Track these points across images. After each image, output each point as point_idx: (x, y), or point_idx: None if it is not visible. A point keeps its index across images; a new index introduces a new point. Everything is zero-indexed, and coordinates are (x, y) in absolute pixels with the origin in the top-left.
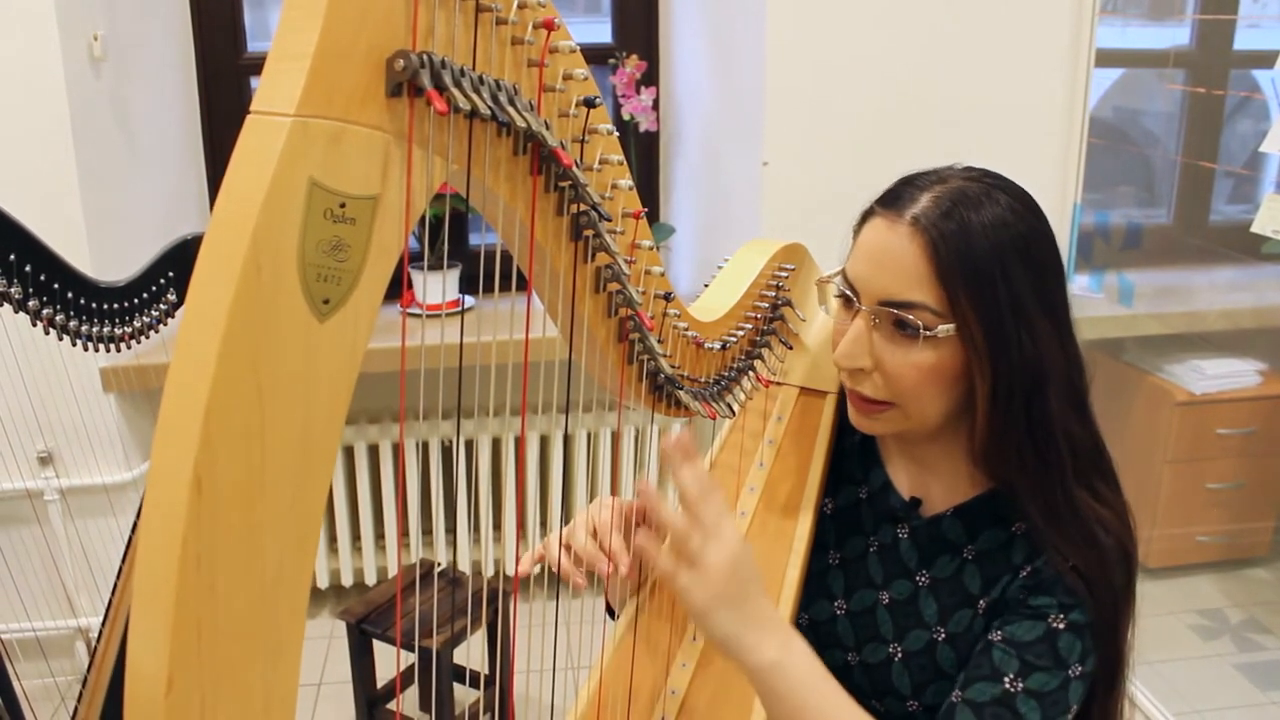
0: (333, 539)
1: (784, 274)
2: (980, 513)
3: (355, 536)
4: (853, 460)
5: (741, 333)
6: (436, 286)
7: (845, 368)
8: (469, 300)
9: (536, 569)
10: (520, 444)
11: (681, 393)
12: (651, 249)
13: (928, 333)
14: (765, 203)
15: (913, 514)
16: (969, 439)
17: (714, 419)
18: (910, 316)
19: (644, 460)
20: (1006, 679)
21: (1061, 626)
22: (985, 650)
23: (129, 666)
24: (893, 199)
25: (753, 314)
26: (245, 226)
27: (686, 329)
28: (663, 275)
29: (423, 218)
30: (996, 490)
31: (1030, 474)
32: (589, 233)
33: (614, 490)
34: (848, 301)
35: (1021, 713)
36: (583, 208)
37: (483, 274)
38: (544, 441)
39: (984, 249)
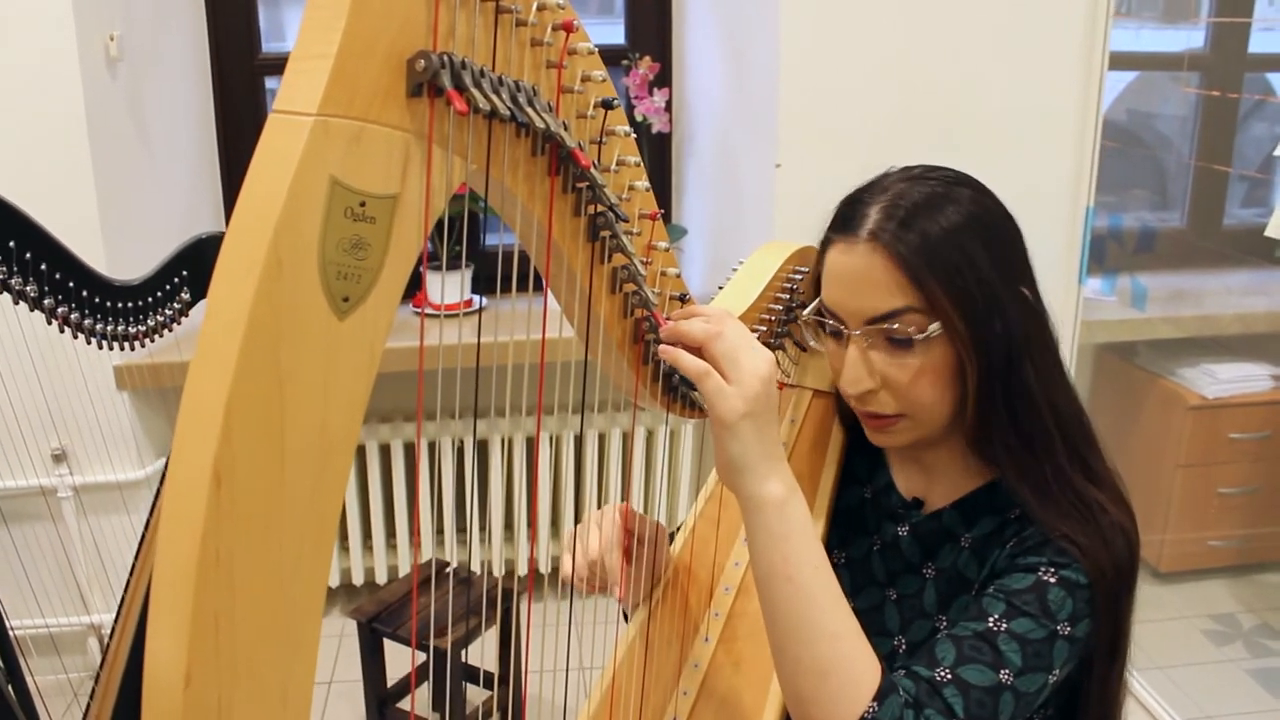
0: (344, 538)
1: (798, 276)
2: (978, 504)
3: (366, 535)
4: (858, 460)
5: (755, 335)
6: (449, 286)
7: (853, 394)
8: (482, 300)
9: (547, 569)
10: (534, 444)
11: (695, 393)
12: (667, 250)
13: (919, 336)
14: (778, 205)
15: (913, 512)
16: (967, 428)
17: None
18: (899, 325)
19: (656, 461)
20: (991, 619)
21: (1052, 580)
22: (975, 600)
23: (148, 661)
24: (843, 223)
25: (767, 316)
26: (267, 224)
27: None
28: (678, 277)
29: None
30: (995, 481)
31: (1015, 453)
32: (606, 234)
33: (625, 492)
34: (836, 332)
35: (1002, 651)
36: (600, 209)
37: (500, 274)
38: (556, 442)
39: (941, 240)
